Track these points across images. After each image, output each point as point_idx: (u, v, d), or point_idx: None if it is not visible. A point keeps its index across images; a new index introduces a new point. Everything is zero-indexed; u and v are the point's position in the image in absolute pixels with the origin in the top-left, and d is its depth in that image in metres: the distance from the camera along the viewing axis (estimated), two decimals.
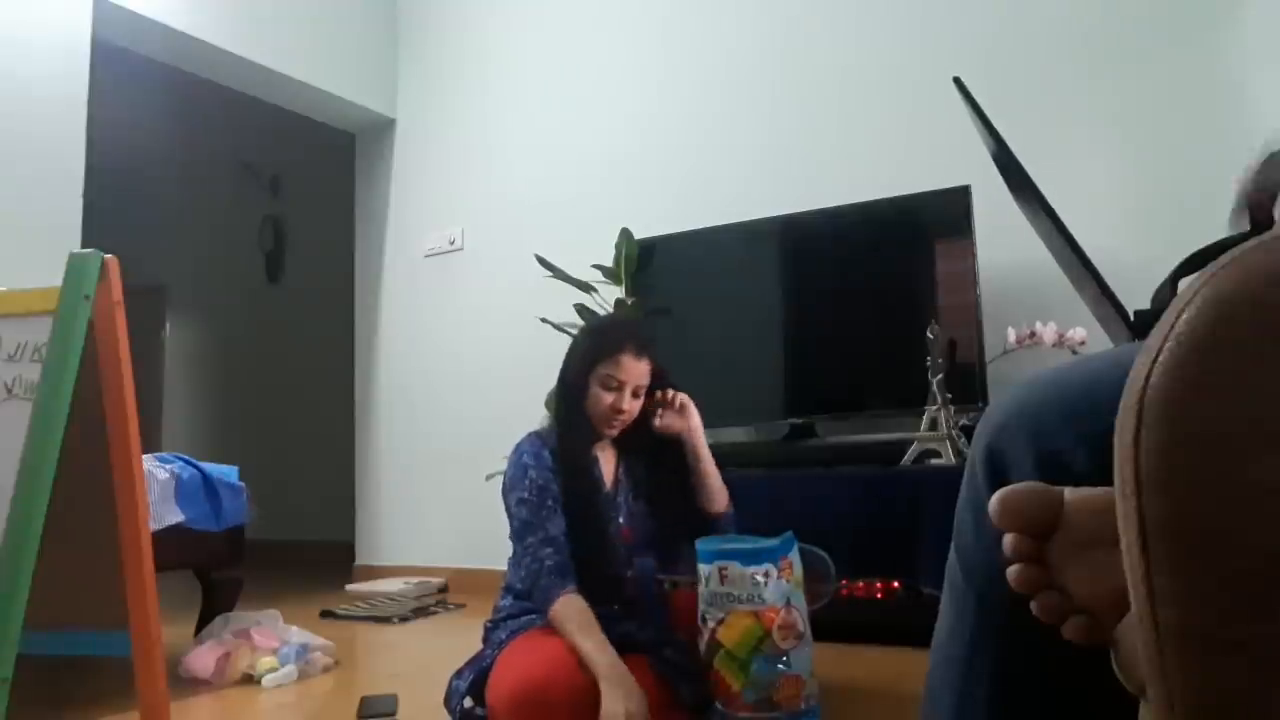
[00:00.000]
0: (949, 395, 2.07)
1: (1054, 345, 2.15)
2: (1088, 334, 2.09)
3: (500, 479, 1.63)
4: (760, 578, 1.36)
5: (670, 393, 1.65)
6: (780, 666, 1.34)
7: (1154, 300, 0.80)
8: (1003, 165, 1.09)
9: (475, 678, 1.45)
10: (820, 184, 2.69)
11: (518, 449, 1.59)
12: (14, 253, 2.30)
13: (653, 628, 1.51)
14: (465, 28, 3.66)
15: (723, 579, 1.38)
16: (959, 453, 2.00)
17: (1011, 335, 2.19)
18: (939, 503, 1.80)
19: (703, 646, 1.39)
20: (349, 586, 3.38)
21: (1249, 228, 0.71)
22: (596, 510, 1.55)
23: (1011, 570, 0.45)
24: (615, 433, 1.61)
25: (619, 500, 1.61)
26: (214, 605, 2.17)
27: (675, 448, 1.68)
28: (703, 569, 1.42)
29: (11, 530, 1.18)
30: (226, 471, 2.12)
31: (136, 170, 5.06)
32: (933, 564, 1.74)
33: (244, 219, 5.14)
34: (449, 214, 3.60)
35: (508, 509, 1.56)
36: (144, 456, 1.59)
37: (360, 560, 3.68)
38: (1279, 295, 0.31)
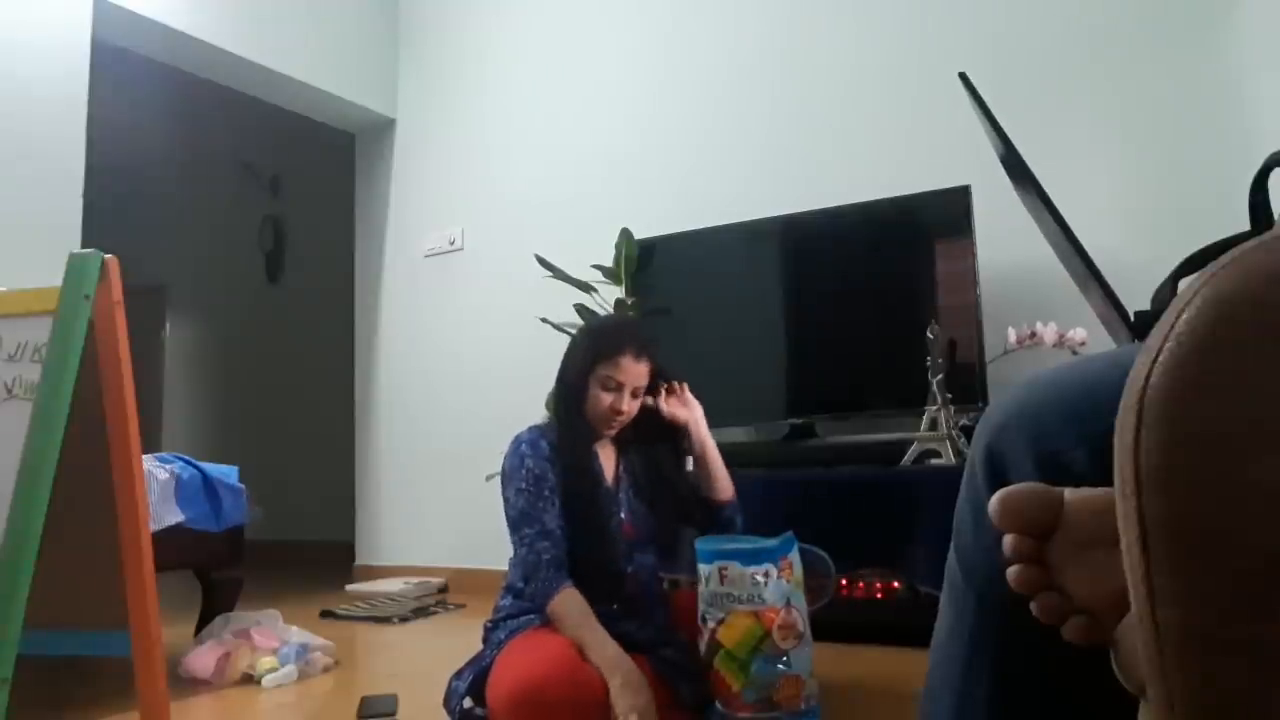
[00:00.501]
0: (949, 395, 2.07)
1: (1054, 345, 2.15)
2: (1088, 334, 2.09)
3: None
4: (760, 578, 1.36)
5: (676, 383, 1.68)
6: (780, 666, 1.34)
7: (1154, 300, 0.80)
8: (1008, 163, 1.09)
9: (475, 678, 1.45)
10: (820, 184, 2.69)
11: (516, 440, 1.59)
12: (14, 253, 2.30)
13: (652, 627, 1.51)
14: (465, 28, 3.66)
15: (723, 579, 1.38)
16: (959, 453, 2.00)
17: (1012, 335, 2.19)
18: (939, 503, 1.79)
19: (703, 646, 1.39)
20: (349, 586, 3.38)
21: None
22: (597, 506, 1.55)
23: (1011, 570, 0.45)
24: (614, 433, 1.62)
25: (620, 496, 1.62)
26: (214, 605, 2.17)
27: (674, 443, 1.69)
28: (702, 569, 1.42)
29: (11, 530, 1.18)
30: (226, 471, 2.12)
31: (136, 170, 5.06)
32: (932, 564, 1.74)
33: (244, 219, 5.14)
34: (449, 214, 3.60)
35: (505, 499, 1.56)
36: (144, 456, 1.59)
37: (360, 560, 3.68)
38: (1279, 295, 0.31)
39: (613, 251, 2.76)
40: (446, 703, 1.49)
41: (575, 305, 2.73)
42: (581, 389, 1.58)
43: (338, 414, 4.02)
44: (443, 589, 3.28)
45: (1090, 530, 0.43)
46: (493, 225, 3.48)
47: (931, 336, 2.09)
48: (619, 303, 2.74)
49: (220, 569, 2.19)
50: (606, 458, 1.64)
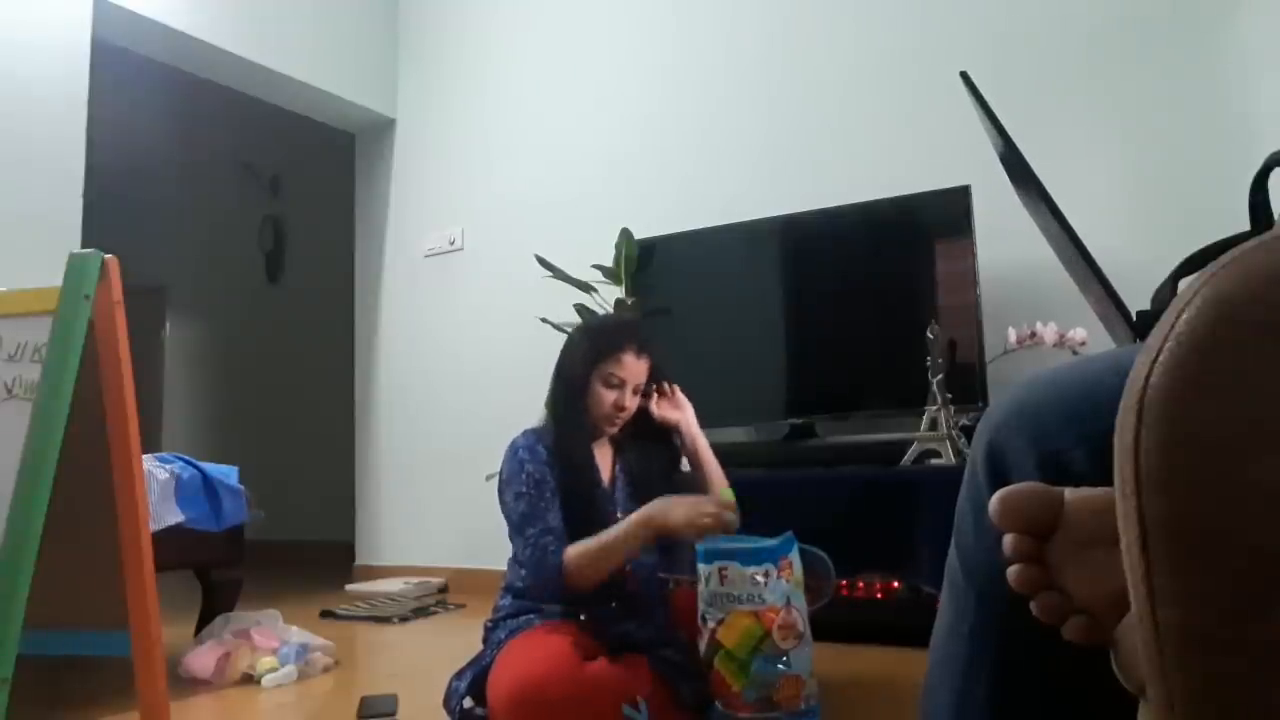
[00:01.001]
0: (949, 395, 2.06)
1: (1054, 345, 2.15)
2: (1088, 334, 2.09)
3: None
4: (760, 578, 1.36)
5: (666, 384, 1.68)
6: (780, 666, 1.34)
7: (1154, 300, 0.80)
8: (1008, 162, 1.09)
9: (475, 677, 1.45)
10: (820, 184, 2.69)
11: (513, 445, 1.59)
12: (14, 253, 2.30)
13: (652, 627, 1.51)
14: (465, 28, 3.66)
15: (722, 579, 1.38)
16: (959, 453, 2.00)
17: (1012, 335, 2.19)
18: (939, 503, 1.79)
19: (702, 646, 1.39)
20: (349, 586, 3.38)
21: None
22: (595, 506, 1.55)
23: (1011, 570, 0.45)
24: (616, 430, 1.62)
25: (616, 496, 1.62)
26: (214, 605, 2.17)
27: (668, 443, 1.69)
28: (702, 569, 1.41)
29: (11, 530, 1.18)
30: (226, 472, 2.12)
31: (136, 170, 5.06)
32: (933, 564, 1.74)
33: (244, 219, 5.14)
34: (449, 214, 3.60)
35: (504, 504, 1.56)
36: (144, 456, 1.59)
37: (360, 560, 3.69)
38: (1279, 295, 0.31)
39: (613, 251, 2.76)
40: (446, 703, 1.49)
41: (575, 305, 2.73)
42: (583, 387, 1.58)
43: (338, 414, 4.03)
44: (443, 589, 3.28)
45: (1090, 530, 0.43)
46: (493, 225, 3.48)
47: (931, 336, 2.09)
48: (619, 303, 2.74)
49: (220, 569, 2.19)
50: (603, 458, 1.64)
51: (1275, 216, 0.77)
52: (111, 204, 3.84)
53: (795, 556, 1.43)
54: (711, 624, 1.38)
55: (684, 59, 3.13)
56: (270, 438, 4.80)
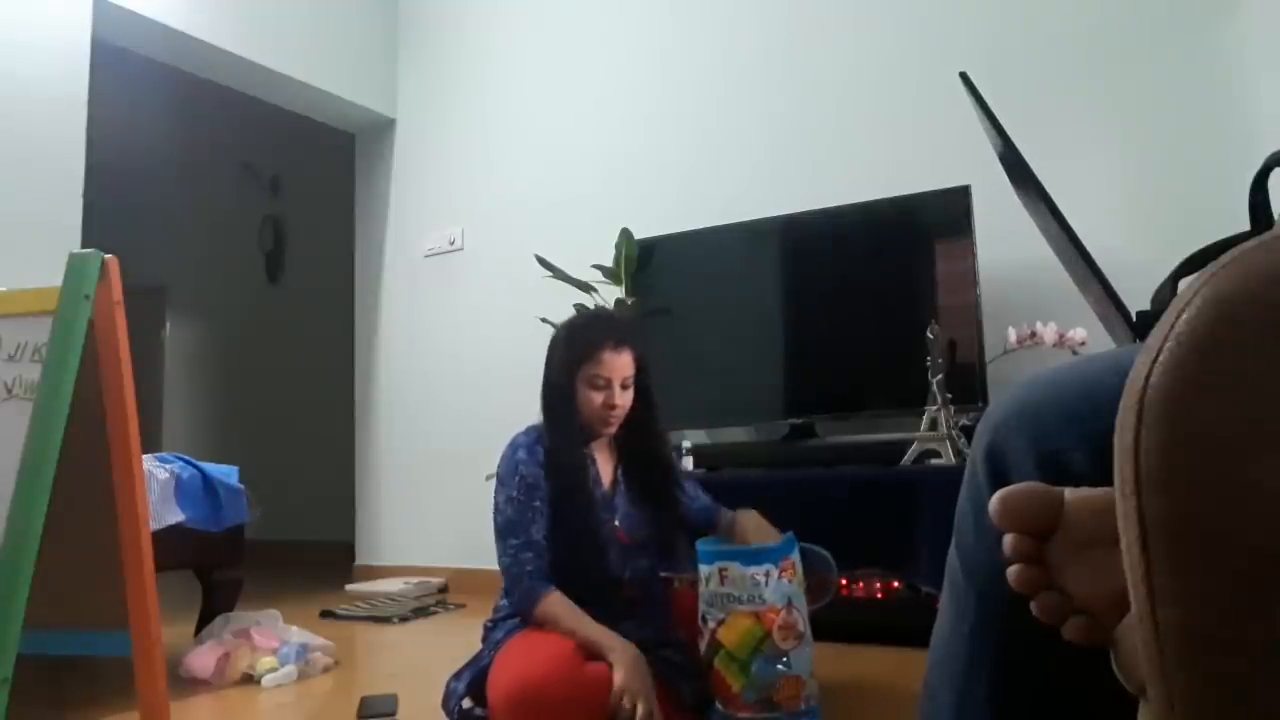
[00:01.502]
0: (949, 395, 2.07)
1: (1054, 345, 2.15)
2: (1088, 334, 2.09)
3: None
4: (761, 578, 1.36)
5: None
6: (780, 667, 1.34)
7: (1154, 300, 0.80)
8: (1008, 163, 1.09)
9: (474, 678, 1.45)
10: (820, 184, 2.69)
11: (513, 444, 1.57)
12: (14, 253, 2.30)
13: (652, 628, 1.51)
14: (465, 28, 3.66)
15: (723, 579, 1.38)
16: (959, 453, 2.00)
17: (1012, 335, 2.19)
18: (939, 503, 1.80)
19: (703, 647, 1.39)
20: (349, 586, 3.38)
21: None
22: (589, 512, 1.53)
23: (1011, 570, 0.45)
24: (613, 429, 1.59)
25: (615, 501, 1.61)
26: (214, 605, 2.17)
27: (667, 453, 1.68)
28: (703, 569, 1.42)
29: (11, 530, 1.18)
30: (226, 471, 2.12)
31: (136, 170, 5.06)
32: (933, 564, 1.74)
33: (244, 219, 5.14)
34: (449, 214, 3.60)
35: (495, 503, 1.54)
36: (144, 456, 1.59)
37: (360, 560, 3.69)
38: (1279, 295, 0.31)
39: (613, 251, 2.76)
40: (445, 704, 1.49)
41: (575, 305, 2.72)
42: (569, 393, 1.55)
43: (338, 414, 4.02)
44: (443, 589, 3.28)
45: (1090, 530, 0.43)
46: (493, 225, 3.48)
47: (931, 336, 2.09)
48: (619, 302, 2.74)
49: (220, 569, 2.19)
50: (605, 462, 1.63)
51: (1275, 216, 0.77)
52: (111, 204, 3.84)
53: (796, 557, 1.43)
54: (712, 624, 1.38)
55: (684, 59, 3.13)
56: (270, 438, 4.80)
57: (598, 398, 1.54)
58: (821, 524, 1.70)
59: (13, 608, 1.14)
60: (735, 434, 2.75)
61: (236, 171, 5.12)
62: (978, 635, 0.63)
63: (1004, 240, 2.21)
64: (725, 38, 3.05)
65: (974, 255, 2.27)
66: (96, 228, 2.76)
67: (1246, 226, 0.77)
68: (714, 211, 2.77)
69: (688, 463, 2.43)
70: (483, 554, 3.17)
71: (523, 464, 1.52)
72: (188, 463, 2.04)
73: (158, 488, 1.88)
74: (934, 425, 2.06)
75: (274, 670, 1.91)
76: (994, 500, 0.45)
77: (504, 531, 1.50)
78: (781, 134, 2.90)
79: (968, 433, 2.02)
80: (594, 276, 2.77)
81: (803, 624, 1.38)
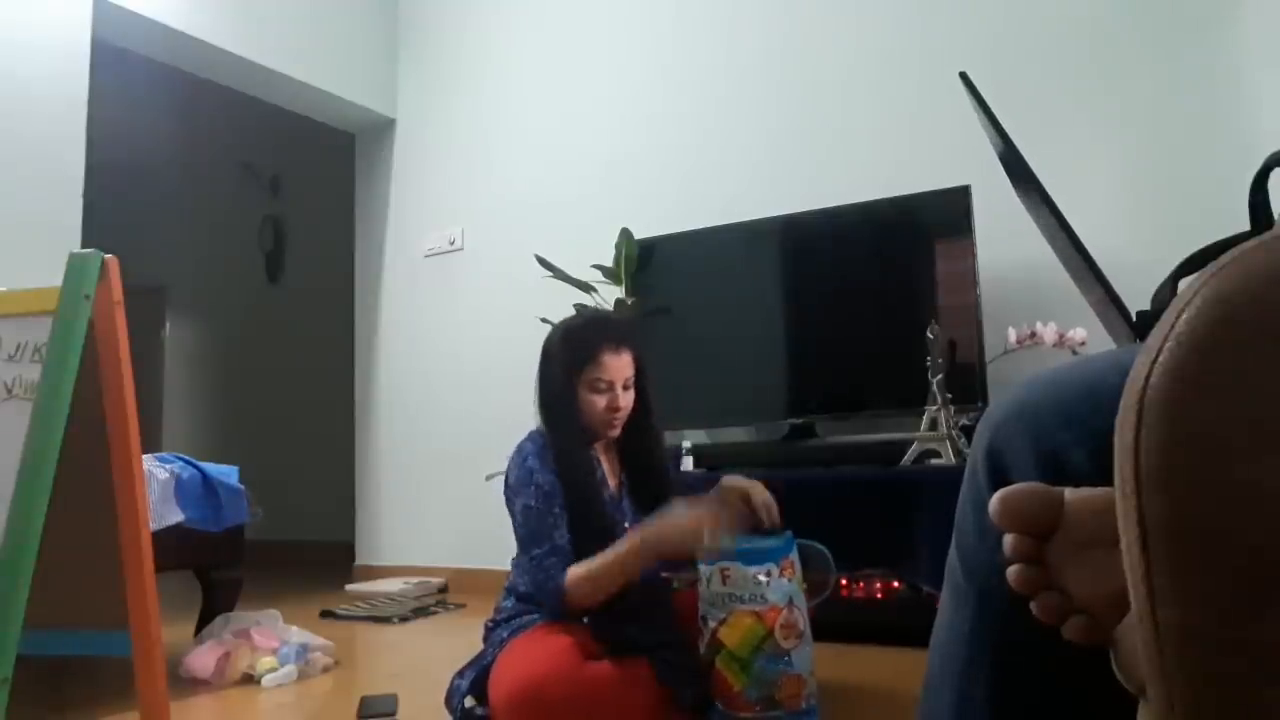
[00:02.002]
0: (949, 395, 2.07)
1: (1054, 345, 2.15)
2: (1088, 334, 2.09)
3: (501, 479, 1.62)
4: (762, 578, 1.36)
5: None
6: (782, 666, 1.34)
7: (1154, 300, 0.80)
8: (1008, 163, 1.09)
9: (477, 676, 1.45)
10: (820, 184, 2.69)
11: (521, 452, 1.55)
12: (14, 253, 2.30)
13: (654, 628, 1.51)
14: (465, 28, 3.66)
15: (724, 579, 1.38)
16: (959, 453, 2.00)
17: (1012, 335, 2.19)
18: (939, 503, 1.80)
19: (703, 647, 1.39)
20: (349, 586, 3.38)
21: None
22: (603, 516, 1.52)
23: (1011, 570, 0.45)
24: (617, 431, 1.58)
25: (623, 504, 1.60)
26: (214, 605, 2.17)
27: (662, 445, 1.68)
28: (703, 569, 1.41)
29: (11, 530, 1.18)
30: (226, 471, 2.12)
31: (136, 170, 5.06)
32: (933, 564, 1.74)
33: (244, 219, 5.14)
34: (449, 214, 3.60)
35: (512, 512, 1.53)
36: (144, 456, 1.59)
37: (360, 560, 3.69)
38: (1279, 295, 0.31)
39: (613, 251, 2.76)
40: (448, 701, 1.49)
41: (575, 305, 2.72)
42: (570, 398, 1.53)
43: (338, 414, 4.02)
44: (443, 589, 3.28)
45: (1090, 530, 0.43)
46: (493, 225, 3.48)
47: (931, 336, 2.09)
48: (619, 302, 2.74)
49: (220, 569, 2.19)
50: (609, 465, 1.63)
51: (1275, 216, 0.77)
52: (111, 204, 3.84)
53: (795, 556, 1.43)
54: (713, 624, 1.38)
55: (684, 59, 3.13)
56: (270, 438, 4.80)
57: (600, 401, 1.53)
58: (821, 524, 1.69)
59: (13, 608, 1.14)
60: (735, 434, 2.75)
61: (236, 171, 5.12)
62: (978, 635, 0.63)
63: (1004, 240, 2.22)
64: (725, 38, 3.05)
65: (974, 255, 2.27)
66: (96, 228, 2.76)
67: (1246, 226, 0.77)
68: (714, 211, 2.77)
69: (688, 462, 2.43)
70: (483, 554, 3.19)
71: (536, 472, 1.49)
72: (188, 463, 2.04)
73: (158, 488, 1.88)
74: (934, 425, 2.06)
75: (274, 670, 1.91)
76: (994, 500, 0.45)
77: (527, 542, 1.48)
78: (781, 134, 2.89)
79: (968, 433, 2.02)
80: (594, 276, 2.77)
81: (803, 623, 1.39)
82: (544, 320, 2.72)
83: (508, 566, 1.66)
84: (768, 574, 1.37)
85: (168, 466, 1.97)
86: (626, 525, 1.57)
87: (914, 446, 2.08)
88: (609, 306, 2.73)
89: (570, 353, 1.55)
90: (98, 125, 2.68)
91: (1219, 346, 0.31)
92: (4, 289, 1.36)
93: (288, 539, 4.19)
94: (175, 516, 1.91)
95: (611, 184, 3.19)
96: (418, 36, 3.78)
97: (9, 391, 1.29)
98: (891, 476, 2.04)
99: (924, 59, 2.66)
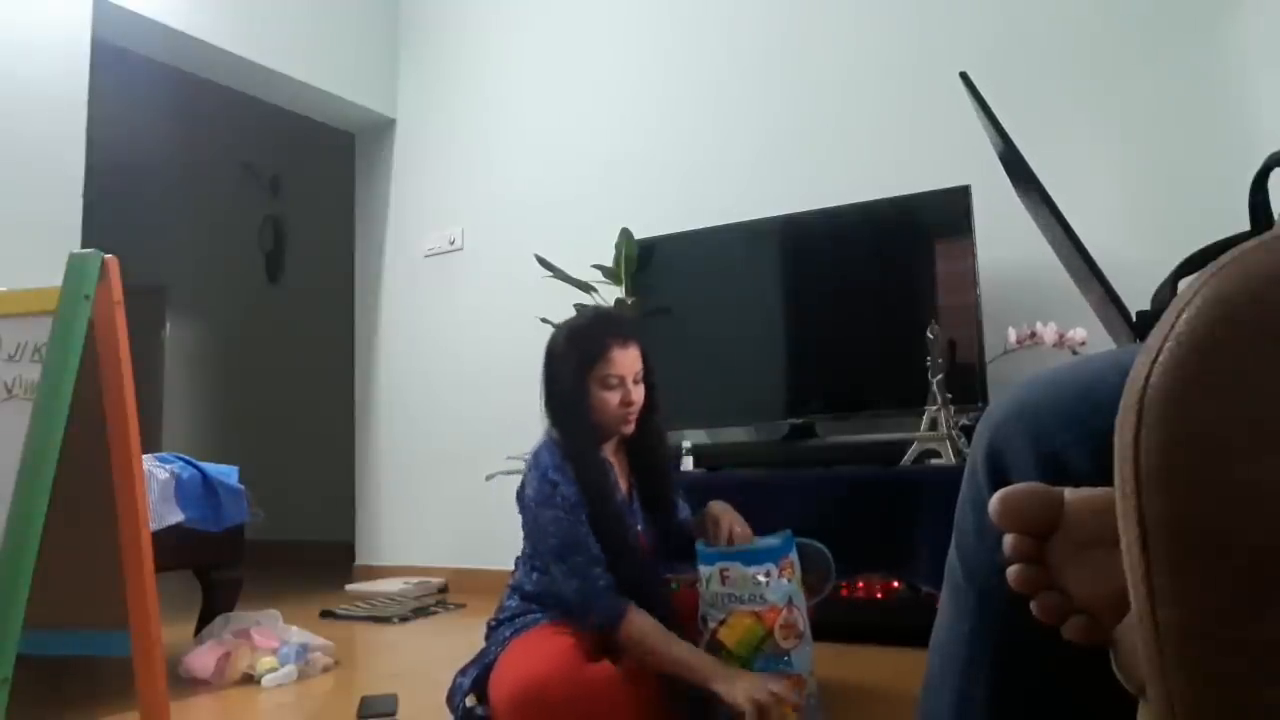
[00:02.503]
0: (949, 395, 2.07)
1: (1054, 345, 2.15)
2: (1088, 334, 2.09)
3: (502, 479, 1.62)
4: (762, 578, 1.36)
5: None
6: (782, 666, 1.34)
7: (1154, 300, 0.80)
8: (1008, 162, 1.09)
9: (479, 675, 1.45)
10: (820, 184, 2.69)
11: (539, 462, 1.51)
12: (14, 253, 2.30)
13: None
14: (465, 28, 3.66)
15: (724, 580, 1.38)
16: (959, 453, 2.00)
17: (1012, 335, 2.19)
18: (939, 503, 1.80)
19: (703, 647, 1.39)
20: (349, 586, 3.38)
21: None
22: (620, 519, 1.50)
23: (1011, 570, 0.45)
24: (631, 427, 1.54)
25: (634, 506, 1.60)
26: (214, 605, 2.17)
27: (668, 450, 1.67)
28: (703, 570, 1.41)
29: (11, 530, 1.18)
30: (226, 471, 2.12)
31: (136, 170, 5.06)
32: (933, 564, 1.74)
33: (244, 219, 5.14)
34: (449, 214, 3.60)
35: (535, 522, 1.49)
36: (144, 456, 1.59)
37: (360, 560, 3.69)
38: (1279, 295, 0.31)
39: (613, 251, 2.76)
40: (450, 700, 1.49)
41: (575, 305, 2.72)
42: (581, 396, 1.51)
43: (338, 414, 4.02)
44: (443, 589, 3.28)
45: (1090, 530, 0.43)
46: (493, 225, 3.48)
47: (931, 336, 2.09)
48: (619, 302, 2.74)
49: (220, 569, 2.19)
50: (621, 470, 1.62)
51: (1275, 216, 0.77)
52: (111, 204, 3.84)
53: (795, 556, 1.43)
54: (712, 624, 1.38)
55: (684, 59, 3.13)
56: (270, 438, 4.80)
57: (613, 397, 1.51)
58: (821, 524, 1.69)
59: (13, 608, 1.14)
60: (735, 434, 2.75)
61: (236, 171, 5.12)
62: (978, 635, 0.63)
63: (1004, 240, 2.22)
64: (725, 38, 3.05)
65: (974, 255, 2.27)
66: (96, 228, 2.76)
67: (1246, 226, 0.77)
68: (714, 211, 2.77)
69: (688, 463, 2.43)
70: (483, 554, 3.19)
71: (560, 484, 1.46)
72: (188, 463, 2.04)
73: (158, 488, 1.88)
74: (934, 425, 2.06)
75: (274, 670, 1.91)
76: (994, 500, 0.45)
77: (561, 552, 1.44)
78: (781, 134, 2.89)
79: (968, 433, 2.02)
80: (594, 276, 2.77)
81: (803, 623, 1.38)
82: (544, 320, 2.73)
83: (508, 566, 1.65)
84: (767, 574, 1.36)
85: (168, 466, 1.97)
86: (639, 528, 1.56)
87: (914, 446, 2.08)
88: (608, 306, 2.73)
89: (579, 351, 1.52)
90: (98, 125, 2.68)
91: (1219, 346, 0.31)
92: (4, 289, 1.36)
93: (288, 539, 4.19)
94: (175, 516, 1.91)
95: (611, 184, 3.19)
96: (418, 36, 3.78)
97: (9, 391, 1.29)
98: (891, 476, 2.04)
99: (924, 59, 2.66)
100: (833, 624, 1.83)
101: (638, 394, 1.53)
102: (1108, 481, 0.36)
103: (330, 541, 4.12)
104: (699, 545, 1.46)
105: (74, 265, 1.30)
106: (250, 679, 1.92)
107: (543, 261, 2.79)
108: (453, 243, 3.57)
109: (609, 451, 1.60)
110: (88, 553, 1.35)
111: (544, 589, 1.52)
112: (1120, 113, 2.40)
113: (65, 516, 1.24)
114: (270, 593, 2.94)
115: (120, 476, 1.30)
